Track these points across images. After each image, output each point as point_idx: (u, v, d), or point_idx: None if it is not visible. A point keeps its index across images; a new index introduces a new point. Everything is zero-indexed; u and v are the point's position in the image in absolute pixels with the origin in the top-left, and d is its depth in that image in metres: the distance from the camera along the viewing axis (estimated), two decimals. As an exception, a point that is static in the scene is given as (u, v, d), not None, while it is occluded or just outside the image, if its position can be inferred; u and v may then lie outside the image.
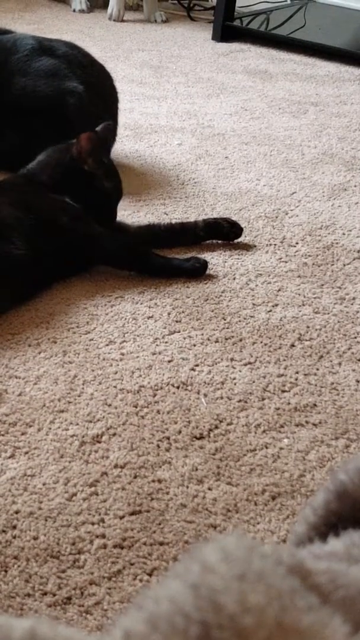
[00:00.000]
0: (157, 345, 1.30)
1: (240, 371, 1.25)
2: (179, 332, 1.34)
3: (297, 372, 1.25)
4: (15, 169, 1.61)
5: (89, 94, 1.85)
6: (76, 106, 1.83)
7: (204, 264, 1.50)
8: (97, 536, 0.93)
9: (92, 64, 1.97)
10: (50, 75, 1.85)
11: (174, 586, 0.35)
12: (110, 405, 1.15)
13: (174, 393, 1.18)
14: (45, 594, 0.86)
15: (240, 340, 1.33)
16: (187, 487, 1.01)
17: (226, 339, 1.32)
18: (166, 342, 1.30)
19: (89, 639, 0.38)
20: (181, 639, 0.33)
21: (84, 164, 1.52)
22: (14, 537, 0.92)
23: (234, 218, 1.67)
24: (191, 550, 0.38)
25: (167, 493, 1.00)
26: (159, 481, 1.02)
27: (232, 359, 1.27)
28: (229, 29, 3.31)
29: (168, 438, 1.09)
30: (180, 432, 1.11)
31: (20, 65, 1.87)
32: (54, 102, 1.83)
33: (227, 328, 1.35)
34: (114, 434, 1.09)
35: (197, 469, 1.04)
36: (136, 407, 1.15)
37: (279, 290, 1.48)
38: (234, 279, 1.51)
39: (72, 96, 1.83)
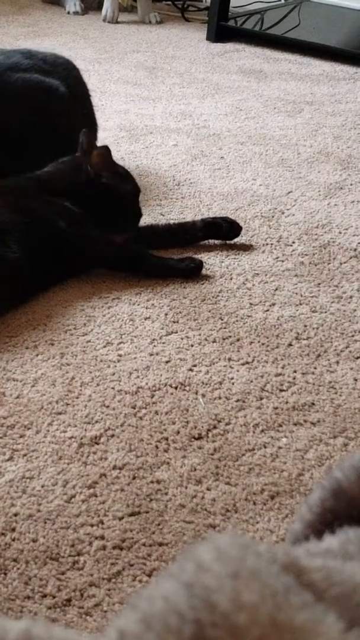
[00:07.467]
0: (154, 346, 1.30)
1: (238, 371, 1.24)
2: (177, 332, 1.34)
3: (294, 371, 1.25)
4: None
5: (75, 103, 1.85)
6: (67, 119, 1.83)
7: (199, 265, 1.50)
8: (96, 538, 0.93)
9: (69, 71, 1.94)
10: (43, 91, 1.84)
11: (167, 585, 0.35)
12: (108, 406, 1.15)
13: (172, 394, 1.18)
14: (44, 596, 0.86)
15: (238, 340, 1.33)
16: (186, 487, 1.01)
17: (224, 339, 1.32)
18: (164, 343, 1.30)
19: (84, 639, 0.38)
20: (175, 638, 0.33)
21: (101, 179, 1.54)
22: (13, 540, 0.92)
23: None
24: (186, 549, 0.38)
25: (166, 494, 1.00)
26: (158, 482, 1.02)
27: (229, 359, 1.27)
28: (224, 29, 3.31)
29: (166, 439, 1.09)
30: (178, 432, 1.11)
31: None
32: (54, 117, 1.83)
33: (225, 328, 1.35)
34: (112, 435, 1.09)
35: (195, 469, 1.04)
36: (134, 408, 1.15)
37: (276, 289, 1.48)
38: (231, 278, 1.51)
39: (63, 108, 1.82)
